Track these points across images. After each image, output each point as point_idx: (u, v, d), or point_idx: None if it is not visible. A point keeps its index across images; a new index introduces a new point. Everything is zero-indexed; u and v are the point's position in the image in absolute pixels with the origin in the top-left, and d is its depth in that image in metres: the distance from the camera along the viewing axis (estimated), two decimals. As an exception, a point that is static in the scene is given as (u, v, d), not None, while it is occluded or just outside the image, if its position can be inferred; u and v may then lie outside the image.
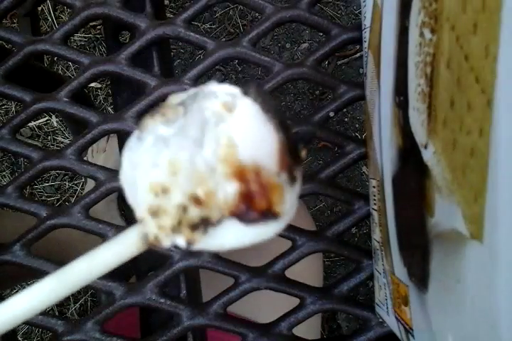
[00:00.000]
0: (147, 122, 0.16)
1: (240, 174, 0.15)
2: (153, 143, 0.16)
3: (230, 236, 0.16)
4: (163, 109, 0.16)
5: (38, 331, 1.01)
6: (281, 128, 0.15)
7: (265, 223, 0.15)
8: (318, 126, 0.34)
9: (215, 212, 0.15)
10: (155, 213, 0.15)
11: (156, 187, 0.15)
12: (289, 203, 0.16)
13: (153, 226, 0.16)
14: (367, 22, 0.29)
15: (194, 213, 0.15)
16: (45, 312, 0.34)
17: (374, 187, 0.30)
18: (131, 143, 0.16)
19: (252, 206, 0.15)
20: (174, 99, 0.16)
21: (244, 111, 0.15)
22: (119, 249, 0.16)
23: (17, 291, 1.01)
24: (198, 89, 0.16)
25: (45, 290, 0.16)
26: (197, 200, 0.15)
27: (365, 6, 0.30)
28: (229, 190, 0.15)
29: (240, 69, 1.04)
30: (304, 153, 0.16)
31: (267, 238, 0.16)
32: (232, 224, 0.15)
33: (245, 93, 0.16)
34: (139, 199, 0.16)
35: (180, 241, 0.16)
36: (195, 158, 0.15)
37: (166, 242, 0.16)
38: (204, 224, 0.15)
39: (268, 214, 0.15)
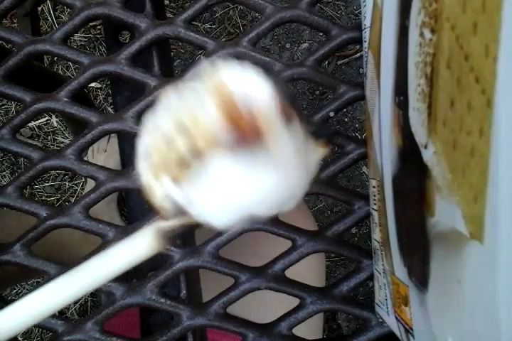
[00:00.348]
0: (163, 95, 0.16)
1: (228, 104, 0.15)
2: (161, 110, 0.16)
3: (220, 173, 0.15)
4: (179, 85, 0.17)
5: (38, 331, 1.01)
6: (282, 91, 0.16)
7: (253, 153, 0.15)
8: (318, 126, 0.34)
9: (201, 142, 0.15)
10: (148, 154, 0.16)
11: (152, 128, 0.16)
12: (284, 147, 0.15)
13: (145, 168, 0.16)
14: (367, 22, 0.29)
15: (181, 144, 0.15)
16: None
17: (374, 187, 0.30)
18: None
19: (239, 134, 0.15)
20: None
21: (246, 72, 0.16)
22: (134, 250, 0.16)
23: (17, 291, 1.01)
24: None
25: (56, 292, 0.16)
26: (183, 128, 0.15)
27: (365, 6, 0.30)
28: (215, 118, 0.15)
29: (240, 69, 1.04)
30: (326, 149, 0.16)
31: (258, 183, 0.15)
32: (221, 158, 0.15)
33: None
34: (140, 154, 0.16)
35: (166, 180, 0.15)
36: (187, 95, 0.15)
37: (158, 190, 0.16)
38: (192, 157, 0.15)
39: (256, 142, 0.15)
